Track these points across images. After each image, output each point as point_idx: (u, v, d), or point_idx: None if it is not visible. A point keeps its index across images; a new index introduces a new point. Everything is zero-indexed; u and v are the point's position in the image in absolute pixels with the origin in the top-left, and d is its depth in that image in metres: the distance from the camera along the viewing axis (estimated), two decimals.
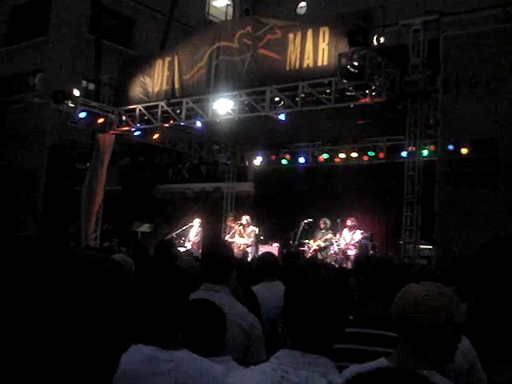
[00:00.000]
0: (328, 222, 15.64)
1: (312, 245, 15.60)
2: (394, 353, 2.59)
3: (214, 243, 4.87)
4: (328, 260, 14.70)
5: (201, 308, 3.19)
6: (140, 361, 2.59)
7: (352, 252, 14.76)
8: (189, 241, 16.73)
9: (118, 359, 1.45)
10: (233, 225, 17.01)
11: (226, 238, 16.06)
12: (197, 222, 17.12)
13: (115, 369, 1.46)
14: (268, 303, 5.36)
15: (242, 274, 5.83)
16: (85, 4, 30.49)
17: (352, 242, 14.99)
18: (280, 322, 5.35)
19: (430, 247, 12.51)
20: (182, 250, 14.82)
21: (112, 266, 1.46)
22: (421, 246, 12.66)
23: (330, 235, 15.49)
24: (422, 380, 1.20)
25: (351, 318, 3.36)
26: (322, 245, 15.42)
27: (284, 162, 18.83)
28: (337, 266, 13.37)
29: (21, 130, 20.28)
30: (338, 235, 15.50)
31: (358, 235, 15.06)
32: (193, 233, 16.94)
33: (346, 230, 15.27)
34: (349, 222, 15.19)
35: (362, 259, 10.15)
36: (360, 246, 14.88)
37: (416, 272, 5.84)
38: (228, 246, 4.66)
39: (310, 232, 16.04)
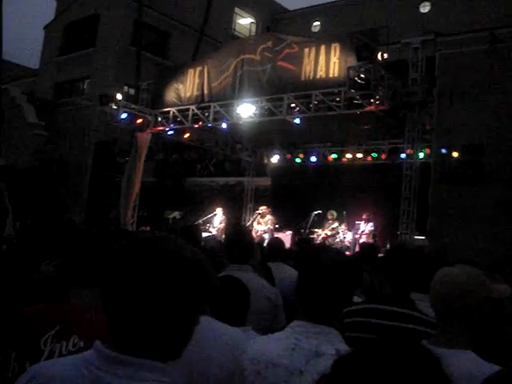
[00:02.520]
0: (335, 213, 15.67)
1: (320, 233, 15.61)
2: (437, 335, 2.45)
3: (236, 230, 4.85)
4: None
5: (227, 284, 3.18)
6: None
7: (363, 240, 14.76)
8: (213, 227, 16.77)
9: (192, 329, 1.50)
10: (254, 214, 17.05)
11: (246, 225, 16.08)
12: (219, 210, 17.14)
13: (190, 336, 1.50)
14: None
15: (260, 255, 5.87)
16: (127, 21, 30.63)
17: (365, 232, 15.01)
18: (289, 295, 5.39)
19: (423, 238, 12.45)
20: (207, 234, 14.93)
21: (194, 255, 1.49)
22: (415, 237, 12.60)
23: (336, 224, 15.51)
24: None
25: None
26: (329, 233, 15.44)
27: (298, 160, 18.78)
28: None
29: (71, 128, 20.48)
30: (343, 225, 15.53)
31: (369, 227, 15.07)
32: (217, 220, 16.97)
33: (362, 223, 15.28)
34: (364, 216, 15.20)
35: (366, 245, 10.18)
36: (370, 235, 14.90)
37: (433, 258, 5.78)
38: (248, 233, 4.64)
39: (319, 222, 16.05)
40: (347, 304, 2.38)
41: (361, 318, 3.10)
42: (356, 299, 3.60)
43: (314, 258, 2.35)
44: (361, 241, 14.74)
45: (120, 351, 1.40)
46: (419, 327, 2.96)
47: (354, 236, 15.28)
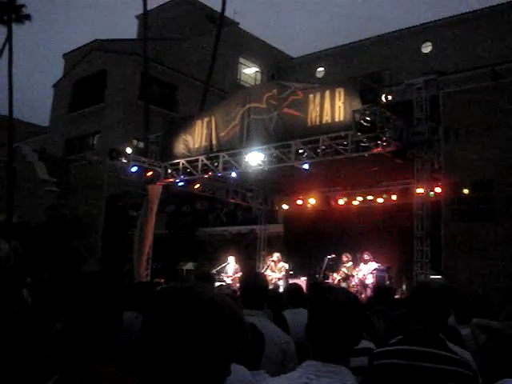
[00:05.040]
0: (349, 255, 15.69)
1: (336, 277, 15.58)
2: None
3: (252, 275, 4.94)
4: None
5: None
6: None
7: (370, 280, 14.75)
8: (228, 276, 16.78)
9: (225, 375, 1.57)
10: (267, 261, 17.10)
11: (262, 272, 16.06)
12: (231, 259, 17.18)
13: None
14: (292, 327, 5.39)
15: (274, 302, 5.89)
16: (135, 75, 31.34)
17: (370, 272, 15.01)
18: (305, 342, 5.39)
19: (439, 277, 12.39)
20: (222, 284, 14.95)
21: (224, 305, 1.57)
22: (431, 276, 12.53)
23: (350, 264, 15.53)
24: None
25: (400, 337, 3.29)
26: (344, 275, 15.44)
27: (308, 205, 18.87)
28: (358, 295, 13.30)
29: (82, 183, 20.74)
30: (357, 268, 15.54)
31: (373, 265, 15.09)
32: (230, 269, 16.99)
33: (362, 264, 15.34)
34: (366, 256, 15.26)
35: (381, 287, 10.10)
36: (377, 274, 14.87)
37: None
38: (264, 278, 4.72)
39: (334, 266, 16.02)
40: (356, 342, 2.45)
41: (395, 359, 3.08)
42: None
43: (321, 298, 2.44)
44: (367, 281, 14.78)
45: None
46: (451, 367, 2.97)
47: (357, 277, 15.33)
